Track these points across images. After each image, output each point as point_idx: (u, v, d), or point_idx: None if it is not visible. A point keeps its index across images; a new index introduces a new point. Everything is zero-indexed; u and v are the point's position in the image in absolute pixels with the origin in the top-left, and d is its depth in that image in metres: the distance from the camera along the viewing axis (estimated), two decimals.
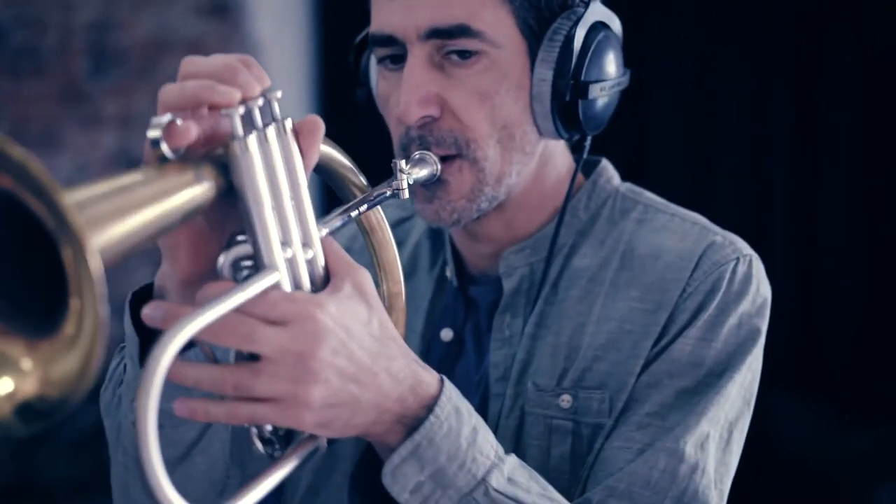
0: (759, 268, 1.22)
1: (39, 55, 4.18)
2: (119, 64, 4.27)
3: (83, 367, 0.73)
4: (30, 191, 0.72)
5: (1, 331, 0.79)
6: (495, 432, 1.18)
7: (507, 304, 1.25)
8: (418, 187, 1.18)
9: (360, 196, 1.09)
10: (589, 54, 1.17)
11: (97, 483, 3.68)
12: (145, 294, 1.04)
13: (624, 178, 1.35)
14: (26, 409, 0.77)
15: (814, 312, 3.84)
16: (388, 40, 1.16)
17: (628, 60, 1.26)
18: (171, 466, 0.93)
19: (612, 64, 1.21)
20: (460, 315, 1.30)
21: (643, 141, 3.86)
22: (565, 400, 1.19)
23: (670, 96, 3.92)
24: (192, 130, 0.88)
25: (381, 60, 1.20)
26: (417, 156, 1.16)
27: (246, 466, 1.16)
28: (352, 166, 1.10)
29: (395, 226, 1.39)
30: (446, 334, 1.30)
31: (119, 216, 0.79)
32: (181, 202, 0.86)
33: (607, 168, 1.33)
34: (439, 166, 1.16)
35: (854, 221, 3.84)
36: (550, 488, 1.08)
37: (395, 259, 1.14)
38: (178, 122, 0.88)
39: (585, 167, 1.32)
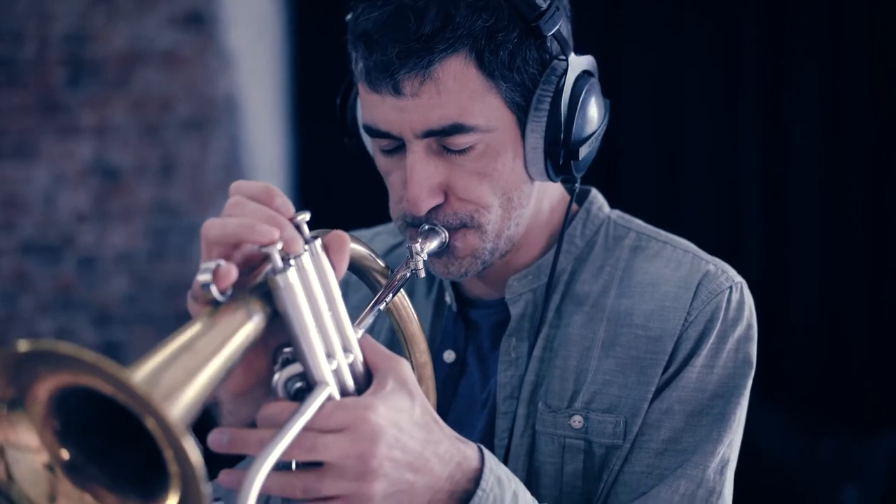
0: (747, 293, 1.31)
1: (16, 66, 4.20)
2: (95, 75, 4.30)
3: None
4: (106, 381, 0.80)
5: (113, 501, 0.88)
6: (507, 449, 1.27)
7: (513, 329, 1.32)
8: None
9: (381, 280, 1.18)
10: (575, 114, 1.23)
11: None
12: None
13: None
14: None
15: (779, 323, 3.92)
16: (384, 134, 1.21)
17: (605, 89, 1.32)
18: None
19: (595, 110, 1.27)
20: (461, 337, 1.38)
21: (613, 157, 3.93)
22: (577, 420, 1.27)
23: (639, 110, 4.00)
24: (232, 272, 0.95)
25: (376, 138, 1.25)
26: (427, 227, 1.23)
27: None
28: (370, 253, 1.18)
29: (388, 252, 1.47)
30: (448, 356, 1.37)
31: (190, 377, 0.87)
32: (240, 342, 0.94)
33: (598, 196, 1.41)
34: (447, 234, 1.23)
35: (820, 233, 3.92)
36: None
37: (419, 331, 1.23)
38: (222, 264, 0.95)
39: (576, 195, 1.39)
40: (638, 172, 3.88)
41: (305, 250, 1.02)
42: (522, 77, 1.21)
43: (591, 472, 1.27)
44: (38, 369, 0.82)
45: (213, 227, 1.01)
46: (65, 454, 0.88)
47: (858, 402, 3.82)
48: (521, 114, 1.22)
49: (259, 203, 1.02)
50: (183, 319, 0.94)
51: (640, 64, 3.99)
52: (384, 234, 1.48)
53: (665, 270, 1.31)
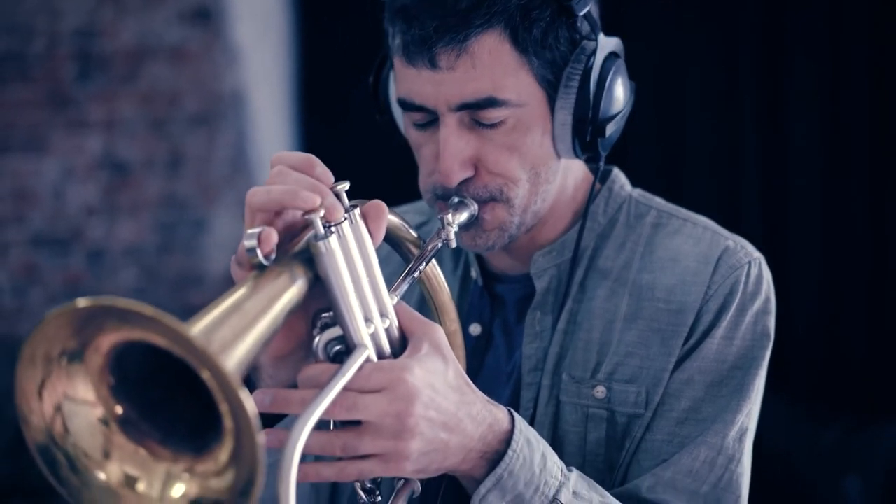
0: (766, 268, 1.36)
1: (26, 61, 4.24)
2: (104, 70, 4.34)
3: (248, 478, 0.85)
4: (165, 336, 0.84)
5: (166, 454, 0.92)
6: (532, 418, 1.31)
7: (538, 303, 1.37)
8: None
9: (414, 251, 1.22)
10: (603, 93, 1.27)
11: None
12: None
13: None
14: None
15: (781, 313, 3.94)
16: (418, 108, 1.25)
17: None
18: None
19: (621, 90, 1.32)
20: (487, 311, 1.42)
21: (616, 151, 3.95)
22: (600, 391, 1.31)
23: (640, 103, 4.03)
24: (273, 236, 1.00)
25: (410, 111, 1.29)
26: (457, 200, 1.27)
27: (321, 492, 1.33)
28: (403, 224, 1.22)
29: (415, 229, 1.51)
30: (475, 329, 1.42)
31: (240, 335, 0.91)
32: (284, 304, 0.98)
33: (620, 175, 1.45)
34: (476, 207, 1.28)
35: (820, 224, 3.96)
36: (607, 494, 1.22)
37: (450, 300, 1.27)
38: (266, 229, 1.00)
39: (599, 175, 1.44)
40: (639, 167, 3.92)
41: (345, 218, 1.06)
42: (554, 55, 1.25)
43: (614, 440, 1.31)
44: (102, 324, 0.85)
45: (257, 194, 1.05)
46: (119, 409, 0.92)
47: (861, 393, 3.85)
48: (552, 91, 1.26)
49: (300, 172, 1.06)
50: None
51: (642, 58, 4.02)
52: (410, 213, 1.52)
53: (685, 246, 1.36)
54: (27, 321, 4.21)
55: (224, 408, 0.86)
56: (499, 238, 1.31)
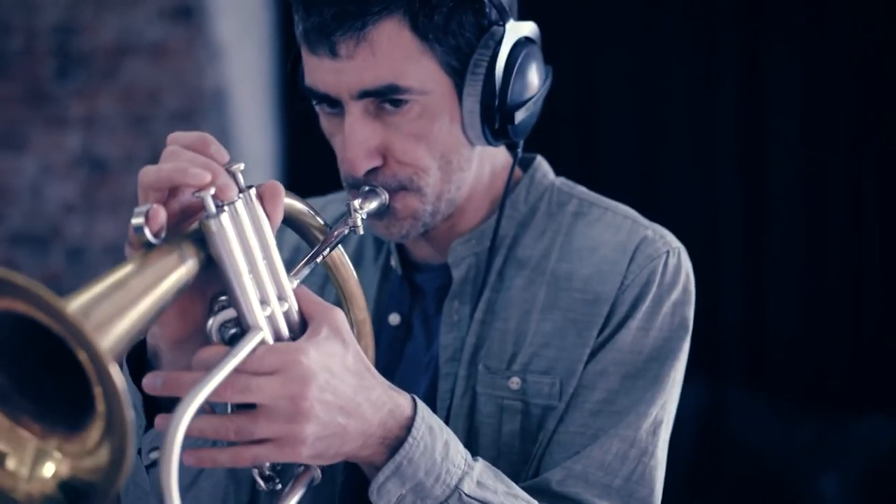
0: (685, 258, 1.33)
1: (4, 57, 4.23)
2: (84, 66, 4.33)
3: (117, 458, 0.84)
4: (40, 309, 0.82)
5: (37, 431, 0.91)
6: (449, 410, 1.29)
7: (455, 292, 1.34)
8: None
9: (320, 238, 1.20)
10: (511, 80, 1.25)
11: None
12: (138, 350, 1.16)
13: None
14: (71, 490, 0.89)
15: (758, 308, 3.94)
16: (323, 96, 1.24)
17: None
18: (183, 493, 1.05)
19: (534, 75, 1.29)
20: (406, 301, 1.40)
21: (594, 145, 3.95)
22: (514, 382, 1.29)
23: (619, 98, 4.02)
24: (161, 213, 0.98)
25: (318, 103, 1.28)
26: (367, 189, 1.25)
27: (241, 483, 1.31)
28: (308, 210, 1.21)
29: (339, 218, 1.49)
30: (394, 319, 1.40)
31: (121, 313, 0.89)
32: (171, 283, 0.97)
33: (543, 164, 1.43)
34: (387, 196, 1.26)
35: (800, 218, 3.95)
36: (514, 486, 1.20)
37: (358, 288, 1.25)
38: (154, 206, 0.98)
39: (521, 162, 1.41)
40: (618, 162, 3.91)
41: (239, 198, 1.04)
42: (458, 41, 1.23)
43: (529, 432, 1.29)
44: None
45: (147, 172, 1.03)
46: None
47: (835, 389, 3.84)
48: (458, 78, 1.24)
49: (194, 151, 1.04)
50: None
51: (619, 54, 4.01)
52: (337, 202, 1.50)
53: (604, 235, 1.33)
54: None
55: (96, 386, 0.84)
56: (412, 227, 1.29)
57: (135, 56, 4.40)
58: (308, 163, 4.65)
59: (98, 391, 0.84)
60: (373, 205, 1.24)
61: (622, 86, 3.99)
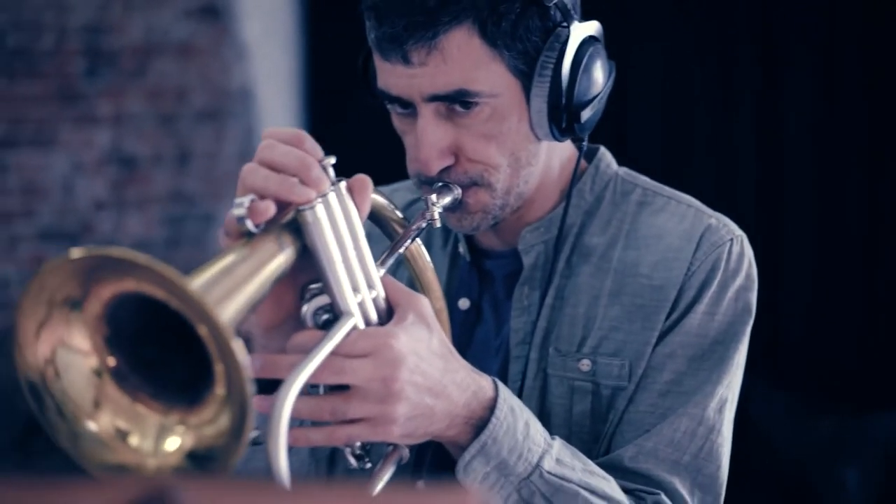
0: (747, 246, 1.39)
1: (35, 57, 4.28)
2: (112, 65, 4.38)
3: (237, 425, 0.89)
4: (162, 288, 0.87)
5: (157, 407, 0.95)
6: (520, 391, 1.35)
7: (526, 278, 1.40)
8: None
9: (398, 230, 1.27)
10: (577, 79, 1.30)
11: None
12: None
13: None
14: (196, 458, 0.93)
15: (776, 301, 3.98)
16: (395, 98, 1.30)
17: (610, 52, 1.39)
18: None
19: (598, 73, 1.34)
20: (475, 286, 1.46)
21: (620, 124, 4.01)
22: (585, 364, 1.35)
23: (648, 103, 4.07)
24: (271, 209, 1.03)
25: (390, 104, 1.33)
26: (440, 184, 1.31)
27: (319, 462, 1.37)
28: (389, 204, 1.27)
29: (407, 207, 1.54)
30: (463, 303, 1.45)
31: (232, 295, 0.95)
32: (272, 270, 1.02)
33: (606, 154, 1.48)
34: (460, 191, 1.31)
35: (816, 210, 3.99)
36: (590, 462, 1.26)
37: (435, 278, 1.32)
38: (256, 199, 1.03)
39: (585, 153, 1.47)
40: (642, 167, 3.96)
41: (332, 190, 1.09)
42: (525, 45, 1.28)
43: (599, 412, 1.35)
44: (104, 274, 0.88)
45: (255, 175, 1.07)
46: (112, 361, 0.94)
47: (856, 384, 3.88)
48: (526, 79, 1.29)
49: (290, 146, 1.09)
50: None
51: (646, 60, 4.06)
52: (402, 191, 1.55)
53: (669, 224, 1.39)
54: None
55: (217, 363, 0.89)
56: (483, 220, 1.35)
57: (162, 55, 4.46)
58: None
59: (219, 367, 0.89)
60: (447, 199, 1.30)
61: (650, 91, 4.05)
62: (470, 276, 1.46)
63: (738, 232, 1.39)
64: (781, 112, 4.02)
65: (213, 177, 4.57)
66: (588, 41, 1.32)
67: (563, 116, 1.30)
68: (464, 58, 1.24)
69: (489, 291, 1.45)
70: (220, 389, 0.91)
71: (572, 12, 1.31)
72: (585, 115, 1.32)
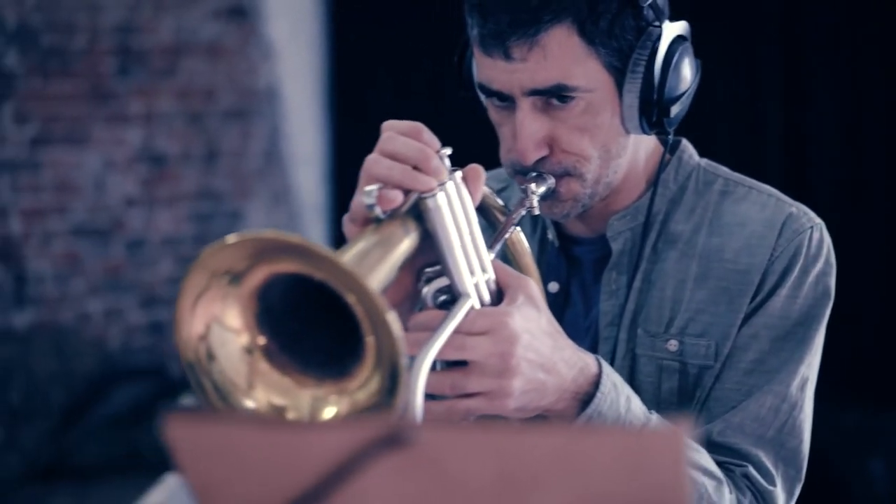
0: (826, 233, 1.47)
1: (68, 56, 4.34)
2: (143, 65, 4.46)
3: (391, 377, 0.96)
4: (316, 266, 0.94)
5: (308, 382, 1.02)
6: None
7: (614, 263, 1.47)
8: None
9: (500, 217, 1.34)
10: (668, 76, 1.37)
11: (130, 463, 3.85)
12: None
13: None
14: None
15: None
16: (495, 92, 1.37)
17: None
18: None
19: (687, 71, 1.42)
20: (563, 271, 1.53)
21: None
22: (672, 344, 1.43)
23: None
24: (399, 197, 1.11)
25: (488, 97, 1.40)
26: (534, 174, 1.38)
27: None
28: (491, 192, 1.35)
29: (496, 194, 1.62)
30: (553, 287, 1.52)
31: (373, 270, 1.04)
32: (401, 253, 1.10)
33: (688, 146, 1.55)
34: (553, 180, 1.38)
35: (839, 207, 4.03)
36: None
37: (533, 263, 1.38)
38: (383, 188, 1.11)
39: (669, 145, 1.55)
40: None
41: (450, 179, 1.17)
42: (620, 43, 1.35)
43: (686, 390, 1.42)
44: (266, 255, 0.95)
45: (379, 165, 1.15)
46: (261, 339, 1.01)
47: (881, 375, 3.95)
48: (619, 76, 1.36)
49: (409, 138, 1.17)
50: None
51: None
52: (491, 180, 1.62)
53: (751, 212, 1.46)
54: (69, 309, 4.32)
55: (368, 335, 0.95)
56: (573, 208, 1.42)
57: (191, 55, 4.54)
58: (357, 159, 4.75)
59: (370, 339, 0.96)
60: (542, 188, 1.37)
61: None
62: (558, 261, 1.54)
63: (818, 220, 1.46)
64: (807, 117, 4.10)
65: (240, 174, 4.65)
66: (678, 40, 1.40)
67: (653, 111, 1.38)
68: (563, 54, 1.32)
69: (577, 276, 1.52)
70: (369, 360, 0.98)
71: (663, 12, 1.39)
72: (674, 110, 1.40)
